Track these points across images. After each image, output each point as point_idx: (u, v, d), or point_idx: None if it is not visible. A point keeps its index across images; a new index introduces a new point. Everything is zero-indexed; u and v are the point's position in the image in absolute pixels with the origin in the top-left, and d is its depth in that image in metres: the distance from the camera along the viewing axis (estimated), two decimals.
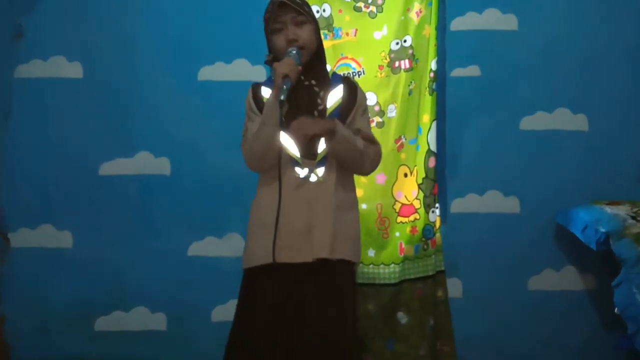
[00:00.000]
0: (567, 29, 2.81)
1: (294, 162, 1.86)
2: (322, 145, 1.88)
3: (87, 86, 2.77)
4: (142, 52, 2.78)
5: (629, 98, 2.79)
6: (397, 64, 2.76)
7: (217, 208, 2.74)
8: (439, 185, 2.71)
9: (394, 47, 2.77)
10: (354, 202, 1.99)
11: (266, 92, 1.92)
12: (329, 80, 1.94)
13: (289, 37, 1.85)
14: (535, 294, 2.73)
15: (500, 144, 2.77)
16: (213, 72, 2.79)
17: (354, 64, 2.78)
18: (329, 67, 2.02)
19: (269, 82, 1.96)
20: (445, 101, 2.79)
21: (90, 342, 2.69)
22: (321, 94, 1.90)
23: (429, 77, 2.72)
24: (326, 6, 2.78)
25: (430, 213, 2.68)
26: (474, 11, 2.82)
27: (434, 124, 2.71)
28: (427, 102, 2.71)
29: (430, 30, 2.73)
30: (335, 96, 1.92)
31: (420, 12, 2.75)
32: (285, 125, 1.82)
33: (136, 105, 2.77)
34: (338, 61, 2.76)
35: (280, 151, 1.83)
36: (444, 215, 2.75)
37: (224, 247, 2.73)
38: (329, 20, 2.77)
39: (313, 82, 1.91)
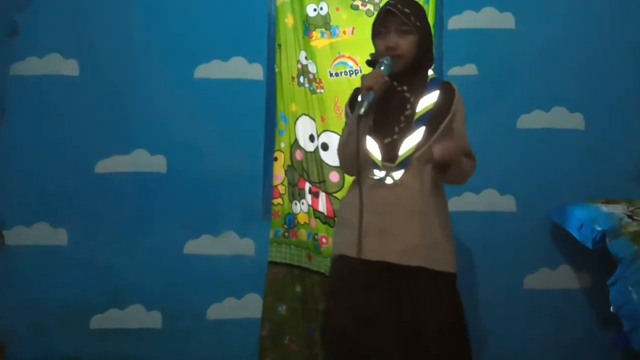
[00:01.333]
0: (564, 28, 2.81)
1: (374, 164, 1.89)
2: (403, 149, 1.88)
3: (83, 84, 2.76)
4: (139, 49, 2.77)
5: (626, 97, 2.80)
6: None
7: (213, 206, 2.74)
8: None
9: None
10: (444, 208, 1.98)
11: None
12: (424, 87, 1.93)
13: (388, 44, 1.88)
14: (531, 293, 2.73)
15: (496, 142, 2.77)
16: (210, 69, 2.78)
17: (351, 63, 2.78)
18: (430, 72, 2.01)
19: None
20: None
21: (86, 340, 2.68)
22: (412, 99, 1.91)
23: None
24: (323, 4, 2.77)
25: None
26: (471, 10, 2.82)
27: None
28: None
29: None
30: (426, 102, 1.91)
31: None
32: (372, 130, 1.88)
33: (132, 103, 2.76)
34: (335, 59, 2.76)
35: (364, 155, 1.87)
36: None
37: (220, 246, 2.72)
38: (326, 19, 2.76)
39: (405, 87, 1.92)
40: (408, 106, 1.91)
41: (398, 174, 1.87)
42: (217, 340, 2.69)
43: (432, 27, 2.72)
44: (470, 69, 2.80)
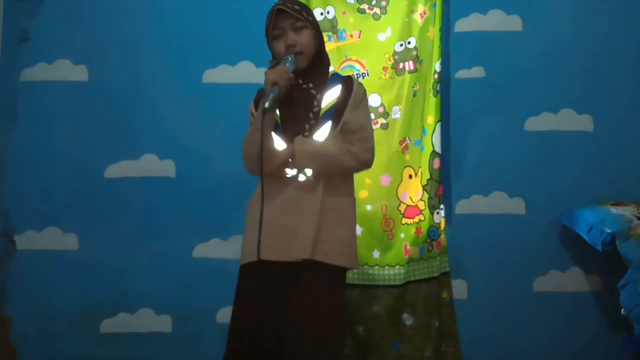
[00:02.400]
0: (571, 30, 2.81)
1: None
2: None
3: (93, 89, 2.78)
4: (147, 55, 2.80)
5: (634, 98, 2.79)
6: (401, 65, 2.77)
7: (222, 210, 2.74)
8: (443, 186, 2.71)
9: (398, 48, 2.77)
10: (347, 205, 1.97)
11: None
12: (326, 82, 1.96)
13: (288, 42, 1.89)
14: (540, 295, 2.72)
15: (505, 145, 2.77)
16: (217, 74, 2.80)
17: (358, 66, 2.78)
18: (332, 69, 2.03)
19: None
20: (449, 102, 2.79)
21: (96, 344, 2.69)
22: (318, 96, 1.93)
23: (433, 78, 2.72)
24: (330, 8, 2.78)
25: (435, 214, 2.67)
26: (478, 12, 2.82)
27: (439, 125, 2.71)
28: (432, 104, 2.71)
29: (434, 32, 2.73)
30: (330, 96, 1.94)
31: (425, 13, 2.75)
32: (281, 128, 1.88)
33: (141, 108, 2.78)
34: (342, 63, 2.77)
35: (271, 154, 1.86)
36: (448, 216, 2.74)
37: (229, 249, 2.73)
38: (333, 22, 2.77)
39: (310, 85, 1.94)
40: (315, 102, 1.92)
41: (309, 170, 1.88)
42: (226, 344, 2.69)
43: (439, 30, 2.73)
44: (477, 72, 2.80)
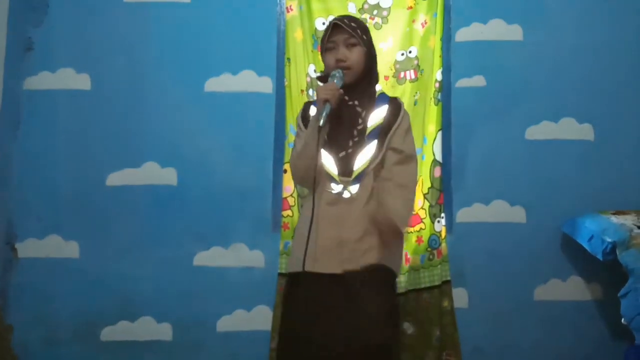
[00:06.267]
0: (572, 39, 2.82)
1: (331, 178, 1.92)
2: (358, 163, 1.93)
3: (95, 98, 2.80)
4: (149, 63, 2.81)
5: (635, 107, 2.79)
6: (402, 74, 2.78)
7: (223, 218, 2.75)
8: (444, 194, 2.72)
9: (399, 57, 2.79)
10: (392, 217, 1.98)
11: (314, 111, 2.00)
12: (373, 101, 1.99)
13: (337, 57, 1.93)
14: (541, 304, 2.72)
15: (505, 153, 2.77)
16: (220, 83, 2.81)
17: None
18: (379, 87, 2.07)
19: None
20: (450, 111, 2.80)
21: (96, 352, 2.69)
22: (363, 113, 1.96)
23: (434, 87, 2.74)
24: (332, 18, 2.80)
25: (436, 223, 2.68)
26: (479, 22, 2.83)
27: (440, 134, 2.72)
28: (433, 112, 2.73)
29: (435, 41, 2.75)
30: (377, 116, 1.96)
31: (425, 23, 2.77)
32: (327, 143, 1.91)
33: (143, 116, 2.79)
34: None
35: (320, 169, 1.91)
36: (449, 225, 2.75)
37: (230, 258, 2.73)
38: None
39: (356, 102, 1.96)
40: (360, 120, 1.95)
41: (354, 188, 1.91)
42: (226, 353, 2.69)
43: (440, 40, 2.75)
44: (478, 81, 2.81)
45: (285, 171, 2.78)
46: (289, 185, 2.77)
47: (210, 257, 2.74)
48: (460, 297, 2.70)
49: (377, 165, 1.94)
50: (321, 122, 1.82)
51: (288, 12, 2.83)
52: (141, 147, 2.78)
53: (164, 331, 2.71)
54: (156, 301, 2.71)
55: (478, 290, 2.72)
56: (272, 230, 2.76)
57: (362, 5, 2.83)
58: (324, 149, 1.94)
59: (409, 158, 1.97)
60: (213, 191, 2.76)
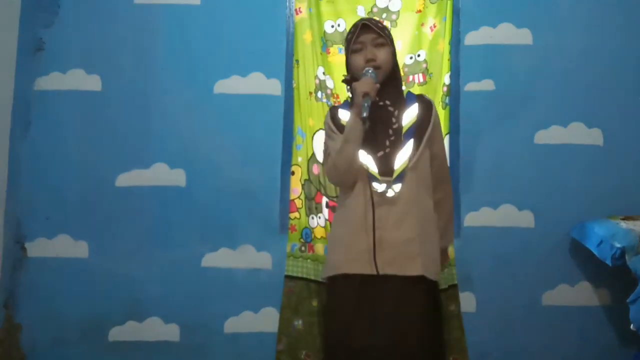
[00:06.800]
0: (581, 43, 2.81)
1: (372, 177, 1.92)
2: (398, 162, 1.93)
3: (106, 99, 2.81)
4: (159, 65, 2.82)
5: None
6: (410, 78, 2.78)
7: (231, 219, 2.76)
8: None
9: (408, 61, 2.79)
10: (435, 219, 2.02)
11: (343, 114, 2.01)
12: (403, 100, 2.00)
13: (368, 56, 1.94)
14: (549, 309, 2.71)
15: (514, 157, 2.77)
16: (229, 85, 2.82)
17: None
18: (403, 87, 2.08)
19: (345, 105, 2.05)
20: (459, 115, 2.80)
21: (104, 352, 2.70)
22: (396, 113, 1.97)
23: (443, 91, 2.73)
24: (341, 21, 2.81)
25: None
26: (488, 26, 2.83)
27: (448, 137, 2.71)
28: (441, 116, 2.72)
29: (444, 45, 2.75)
30: (410, 115, 1.98)
31: (434, 27, 2.77)
32: (363, 143, 1.92)
33: (153, 118, 2.80)
34: None
35: (361, 167, 1.92)
36: (457, 228, 2.74)
37: (238, 259, 2.74)
38: (344, 35, 2.79)
39: (387, 102, 1.97)
40: (394, 120, 1.95)
41: (397, 187, 1.91)
42: (233, 354, 2.70)
43: (449, 43, 2.75)
44: (487, 84, 2.81)
45: (293, 173, 2.79)
46: (296, 187, 2.77)
47: (218, 259, 2.75)
48: (467, 302, 2.69)
49: (415, 163, 1.95)
50: (365, 114, 1.83)
51: (297, 14, 2.83)
52: (150, 148, 2.79)
53: (171, 332, 2.72)
54: (164, 302, 2.72)
55: (486, 295, 2.72)
56: (279, 232, 2.76)
57: (371, 9, 2.83)
58: (362, 149, 1.94)
59: (445, 162, 2.13)
60: (221, 193, 2.77)
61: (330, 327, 1.95)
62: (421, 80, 2.77)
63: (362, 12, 2.82)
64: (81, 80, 2.82)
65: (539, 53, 2.81)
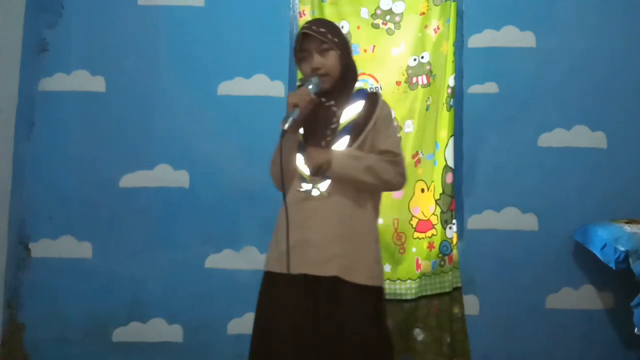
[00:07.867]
0: (585, 46, 2.81)
1: (302, 178, 1.91)
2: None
3: (110, 100, 2.81)
4: (164, 67, 2.83)
5: None
6: (414, 80, 2.78)
7: (235, 221, 2.76)
8: (456, 201, 2.71)
9: (412, 63, 2.79)
10: (368, 220, 1.95)
11: None
12: (348, 99, 1.96)
13: (313, 65, 1.91)
14: (553, 312, 2.71)
15: (518, 160, 2.77)
16: (232, 87, 2.82)
17: (371, 80, 2.80)
18: (360, 84, 2.04)
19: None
20: (462, 117, 2.80)
21: (108, 352, 2.71)
22: (338, 112, 1.93)
23: (447, 93, 2.73)
24: (344, 23, 2.81)
25: (448, 229, 2.67)
26: (491, 28, 2.83)
27: (452, 139, 2.72)
28: (445, 118, 2.72)
29: (447, 47, 2.75)
30: (350, 112, 1.94)
31: (438, 29, 2.77)
32: (302, 146, 1.90)
33: (157, 119, 2.81)
34: None
35: (295, 172, 1.90)
36: (460, 231, 2.74)
37: (241, 260, 2.74)
38: (347, 37, 2.79)
39: (332, 102, 1.95)
40: (334, 119, 1.92)
41: (324, 185, 1.88)
42: (237, 355, 2.69)
43: (452, 46, 2.75)
44: (490, 87, 2.81)
45: None
46: None
47: (221, 260, 2.75)
48: (471, 304, 2.70)
49: None
50: (285, 126, 1.79)
51: (301, 16, 2.84)
52: (154, 149, 2.80)
53: (174, 333, 2.72)
54: (167, 303, 2.72)
55: (489, 298, 2.72)
56: None
57: (375, 11, 2.83)
58: (300, 152, 1.92)
59: (397, 156, 1.91)
60: (225, 194, 2.77)
61: (254, 323, 1.94)
62: (425, 82, 2.77)
63: (365, 14, 2.83)
64: (85, 81, 2.82)
65: (543, 56, 2.81)
